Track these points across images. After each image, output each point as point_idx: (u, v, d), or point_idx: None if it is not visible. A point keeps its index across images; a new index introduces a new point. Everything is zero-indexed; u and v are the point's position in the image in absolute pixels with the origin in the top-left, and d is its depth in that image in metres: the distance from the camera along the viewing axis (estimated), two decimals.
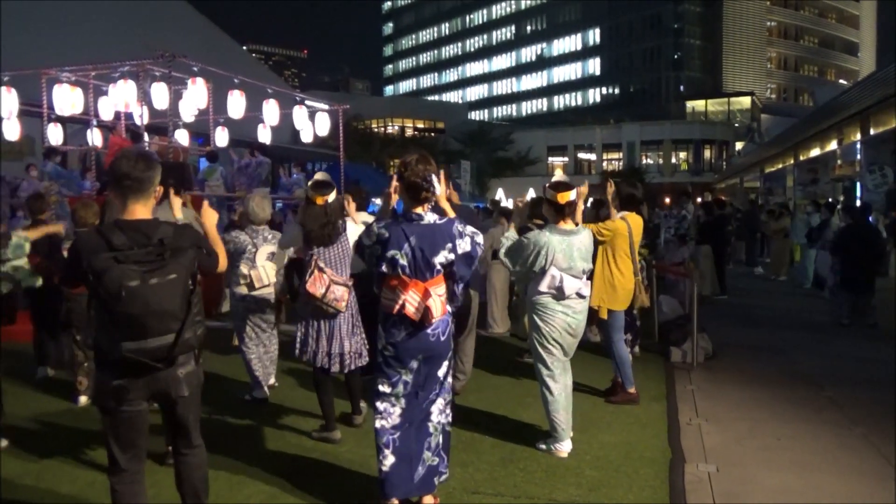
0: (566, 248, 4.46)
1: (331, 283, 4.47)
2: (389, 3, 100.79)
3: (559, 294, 4.48)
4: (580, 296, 4.55)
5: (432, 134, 62.14)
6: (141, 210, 2.85)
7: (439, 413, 3.61)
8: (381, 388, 3.54)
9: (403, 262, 3.42)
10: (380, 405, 3.54)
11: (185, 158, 10.90)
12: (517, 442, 4.73)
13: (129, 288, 2.62)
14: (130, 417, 2.83)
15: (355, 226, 4.87)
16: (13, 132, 11.12)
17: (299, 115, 12.33)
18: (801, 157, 28.21)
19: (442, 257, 3.46)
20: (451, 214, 3.63)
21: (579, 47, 78.43)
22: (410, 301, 3.41)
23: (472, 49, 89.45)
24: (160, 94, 9.97)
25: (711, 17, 71.98)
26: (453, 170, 45.08)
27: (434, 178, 3.47)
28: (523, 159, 51.90)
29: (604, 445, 4.71)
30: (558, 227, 4.52)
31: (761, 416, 5.46)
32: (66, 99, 10.46)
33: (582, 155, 61.03)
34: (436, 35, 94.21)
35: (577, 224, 4.60)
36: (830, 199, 16.74)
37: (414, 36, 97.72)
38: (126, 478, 2.89)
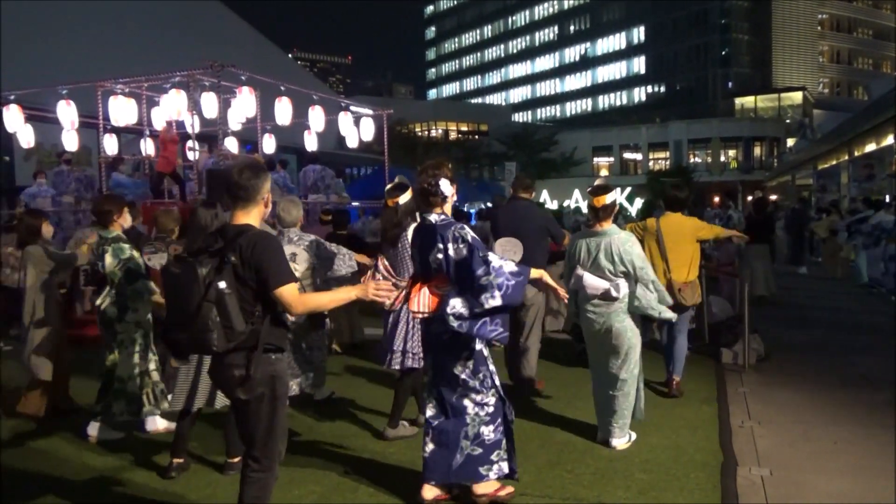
0: (592, 248, 4.64)
1: (381, 280, 4.57)
2: (431, 7, 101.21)
3: (582, 293, 4.70)
4: (608, 297, 4.59)
5: (476, 136, 62.20)
6: (242, 216, 3.00)
7: (475, 406, 3.75)
8: (424, 378, 3.99)
9: (417, 258, 3.84)
10: (424, 395, 3.96)
11: None
12: (565, 444, 4.72)
13: None
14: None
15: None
16: (72, 143, 11.56)
17: (344, 121, 12.49)
18: (856, 153, 27.38)
19: (433, 256, 3.67)
20: None
21: (623, 46, 77.47)
22: (407, 293, 3.84)
23: (515, 51, 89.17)
24: (210, 104, 10.23)
25: (760, 11, 70.31)
26: (497, 172, 45.01)
27: (444, 182, 3.70)
28: (568, 160, 51.54)
29: (653, 448, 4.67)
30: (589, 230, 4.79)
31: (816, 418, 5.33)
32: (121, 110, 10.79)
33: (628, 155, 60.31)
34: (478, 38, 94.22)
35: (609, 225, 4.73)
36: (888, 197, 16.24)
37: (456, 39, 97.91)
38: None
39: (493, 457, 3.75)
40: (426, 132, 60.45)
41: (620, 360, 4.66)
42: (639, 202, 28.89)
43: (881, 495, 3.96)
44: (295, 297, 2.92)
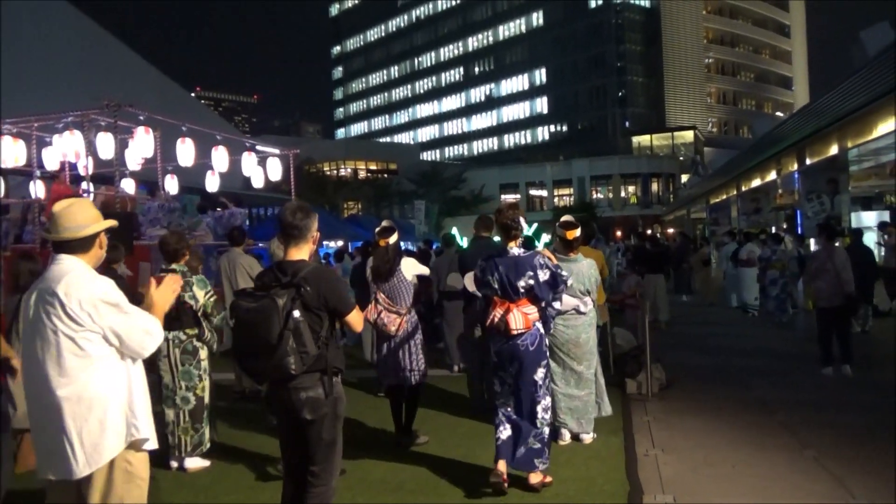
0: (566, 273, 5.10)
1: (383, 310, 5.45)
2: (339, 48, 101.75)
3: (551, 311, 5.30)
4: (578, 312, 5.48)
5: (385, 175, 62.43)
6: (295, 253, 3.37)
7: (543, 411, 4.56)
8: (495, 386, 4.70)
9: (496, 286, 4.52)
10: (497, 398, 4.68)
11: (132, 208, 10.71)
12: (473, 482, 4.69)
13: None
14: None
15: (409, 262, 5.68)
16: None
17: (248, 161, 12.22)
18: (744, 188, 29.04)
19: (524, 282, 4.46)
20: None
21: (527, 87, 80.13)
22: (497, 315, 4.49)
23: (422, 91, 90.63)
24: (106, 144, 9.82)
25: (652, 55, 74.48)
26: (407, 210, 45.19)
27: (521, 219, 4.56)
28: (477, 198, 52.35)
29: (564, 481, 4.72)
30: (560, 256, 5.45)
31: (716, 443, 5.54)
32: (9, 151, 10.24)
33: (533, 192, 61.96)
34: (386, 78, 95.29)
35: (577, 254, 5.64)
36: (774, 228, 17.40)
37: (364, 79, 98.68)
38: None
39: (544, 454, 4.52)
40: (335, 171, 60.22)
41: (584, 365, 5.57)
42: (546, 237, 29.57)
43: None
44: (359, 319, 3.46)
